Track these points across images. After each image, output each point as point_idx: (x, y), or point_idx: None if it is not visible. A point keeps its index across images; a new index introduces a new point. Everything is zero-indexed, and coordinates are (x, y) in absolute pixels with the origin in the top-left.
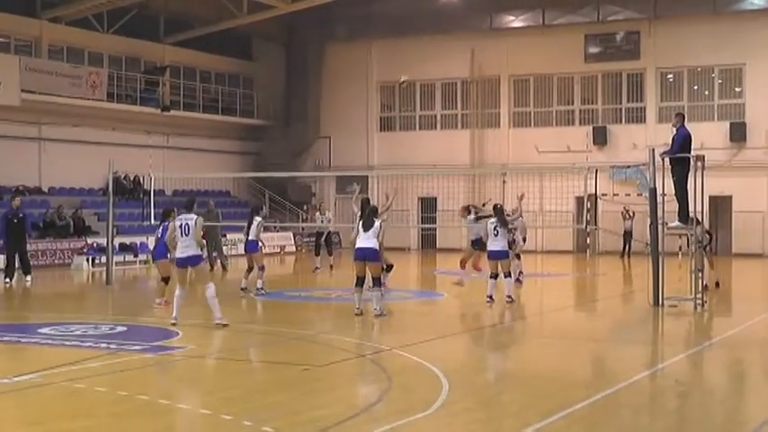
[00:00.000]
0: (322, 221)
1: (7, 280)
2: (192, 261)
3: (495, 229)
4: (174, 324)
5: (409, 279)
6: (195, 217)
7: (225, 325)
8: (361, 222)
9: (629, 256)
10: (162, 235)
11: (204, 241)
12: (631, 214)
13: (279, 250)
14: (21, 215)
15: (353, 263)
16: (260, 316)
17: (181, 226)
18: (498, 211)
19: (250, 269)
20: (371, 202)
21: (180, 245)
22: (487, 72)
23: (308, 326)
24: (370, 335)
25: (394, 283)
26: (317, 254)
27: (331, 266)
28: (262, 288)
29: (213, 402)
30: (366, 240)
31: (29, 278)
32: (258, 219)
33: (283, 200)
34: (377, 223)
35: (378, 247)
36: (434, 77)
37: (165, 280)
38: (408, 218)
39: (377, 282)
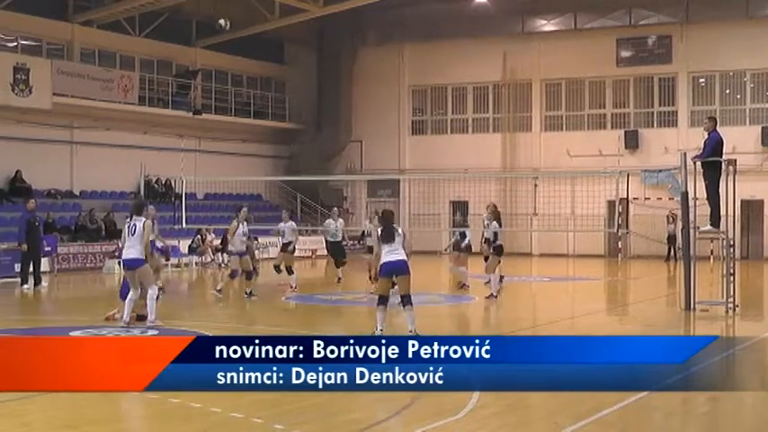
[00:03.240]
0: (336, 228)
1: (26, 286)
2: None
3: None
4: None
5: (441, 283)
6: (144, 220)
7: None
8: (381, 235)
9: (675, 260)
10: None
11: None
12: (675, 218)
13: (310, 254)
14: (38, 219)
15: (379, 279)
16: (291, 319)
17: (129, 227)
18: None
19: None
20: (397, 209)
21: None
22: (519, 76)
23: (337, 329)
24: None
25: (427, 287)
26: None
27: (339, 279)
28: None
29: (244, 405)
30: (391, 254)
31: (39, 287)
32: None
33: (315, 203)
34: (399, 231)
35: (407, 259)
36: (466, 81)
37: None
38: (440, 221)
39: (407, 299)
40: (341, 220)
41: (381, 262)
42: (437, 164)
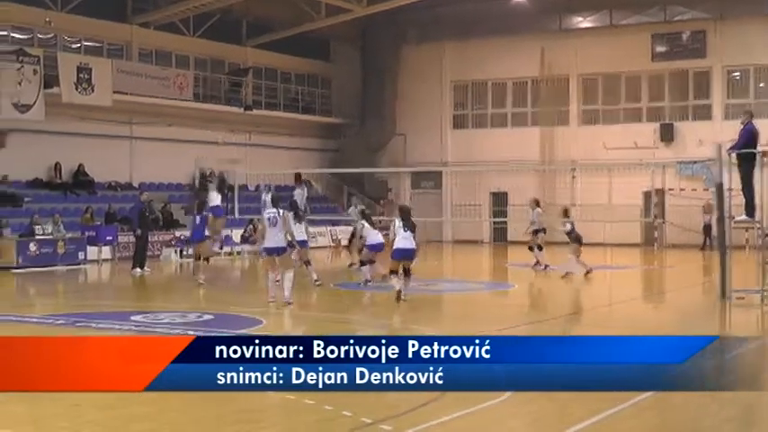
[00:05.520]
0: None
1: (139, 270)
2: (280, 251)
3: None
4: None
5: (482, 271)
6: (282, 210)
7: (290, 303)
8: (402, 225)
9: (710, 249)
10: (201, 222)
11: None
12: (711, 209)
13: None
14: (148, 208)
15: (391, 261)
16: (338, 305)
17: (269, 219)
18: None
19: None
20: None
21: (267, 235)
22: (557, 71)
23: (380, 315)
24: (441, 325)
25: (468, 275)
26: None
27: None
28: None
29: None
30: (407, 241)
31: (140, 270)
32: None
33: (361, 194)
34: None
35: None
36: (505, 77)
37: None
38: (481, 212)
39: (408, 271)
40: (359, 206)
41: (396, 247)
42: (478, 156)
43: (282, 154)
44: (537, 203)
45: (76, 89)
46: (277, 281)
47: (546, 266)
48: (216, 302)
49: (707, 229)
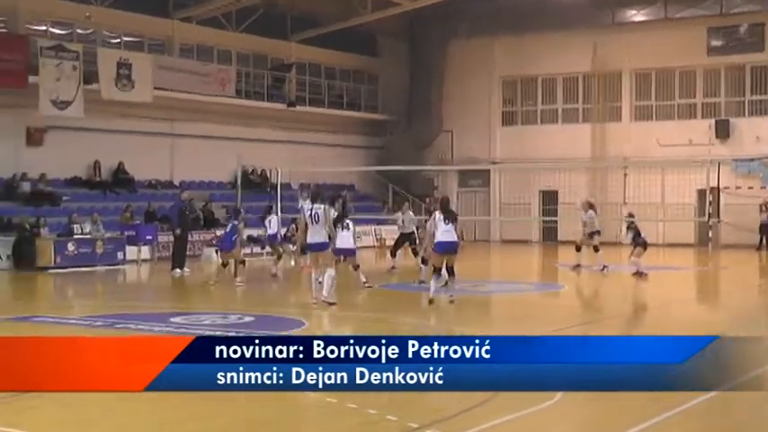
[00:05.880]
0: (403, 222)
1: (178, 270)
2: (322, 247)
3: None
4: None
5: (531, 271)
6: (323, 206)
7: (332, 303)
8: (443, 217)
9: (767, 249)
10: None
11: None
12: None
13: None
14: (188, 207)
15: (434, 255)
16: (384, 306)
17: (311, 215)
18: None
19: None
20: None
21: (311, 231)
22: (609, 66)
23: (425, 317)
24: (489, 326)
25: (517, 276)
26: (393, 255)
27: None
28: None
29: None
30: (448, 233)
31: (179, 271)
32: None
33: (407, 193)
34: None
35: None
36: (556, 72)
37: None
38: (530, 211)
39: (452, 270)
40: (410, 213)
41: (437, 240)
42: (527, 154)
43: (326, 151)
44: (591, 206)
45: (116, 85)
46: (320, 281)
47: (604, 267)
48: (257, 304)
49: (764, 228)
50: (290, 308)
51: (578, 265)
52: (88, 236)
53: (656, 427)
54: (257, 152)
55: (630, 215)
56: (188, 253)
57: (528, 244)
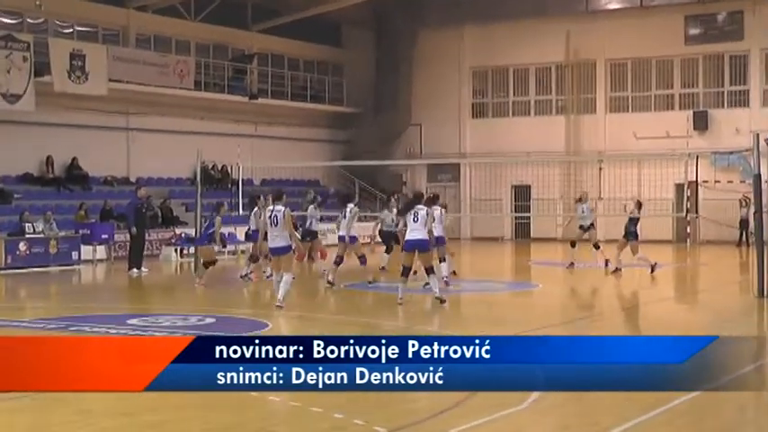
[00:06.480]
0: (392, 220)
1: (135, 270)
2: (282, 251)
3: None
4: (279, 307)
5: (503, 269)
6: (283, 209)
7: (279, 307)
8: (413, 214)
9: (747, 246)
10: (209, 227)
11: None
12: (748, 202)
13: (369, 241)
14: (146, 204)
15: (404, 254)
16: (351, 307)
17: (270, 217)
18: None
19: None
20: (458, 194)
21: (270, 235)
22: (583, 56)
23: (396, 317)
24: (465, 326)
25: (488, 274)
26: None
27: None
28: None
29: (303, 394)
30: (417, 232)
31: (136, 271)
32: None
33: (374, 189)
34: (422, 212)
35: (427, 237)
36: (528, 62)
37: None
38: (501, 207)
39: (430, 270)
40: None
41: (406, 239)
42: (498, 147)
43: (290, 145)
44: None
45: (69, 77)
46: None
47: (607, 262)
48: (218, 305)
49: (744, 223)
50: (253, 309)
51: (572, 264)
52: (41, 235)
53: (637, 428)
54: (218, 147)
55: (639, 203)
56: (146, 252)
57: (500, 241)
